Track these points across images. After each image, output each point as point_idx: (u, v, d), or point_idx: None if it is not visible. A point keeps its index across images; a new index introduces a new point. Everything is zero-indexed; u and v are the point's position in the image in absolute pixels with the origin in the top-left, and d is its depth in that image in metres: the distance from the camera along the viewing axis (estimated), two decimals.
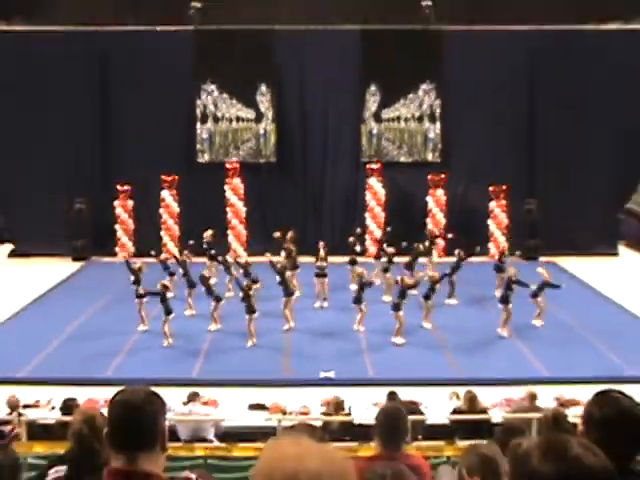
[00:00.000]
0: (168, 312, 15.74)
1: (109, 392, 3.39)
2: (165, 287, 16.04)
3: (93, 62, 23.59)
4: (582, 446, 2.34)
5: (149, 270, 17.97)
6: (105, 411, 3.24)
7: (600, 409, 3.03)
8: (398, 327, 15.67)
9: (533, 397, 10.76)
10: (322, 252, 18.70)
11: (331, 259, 19.18)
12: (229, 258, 19.54)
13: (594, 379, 13.01)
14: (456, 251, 19.00)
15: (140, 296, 16.25)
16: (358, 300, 16.34)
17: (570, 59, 23.04)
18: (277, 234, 20.33)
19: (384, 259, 18.99)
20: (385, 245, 19.68)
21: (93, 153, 24.07)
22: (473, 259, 19.51)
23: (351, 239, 19.89)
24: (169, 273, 18.60)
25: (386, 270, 18.81)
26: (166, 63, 23.08)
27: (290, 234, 20.21)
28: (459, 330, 16.42)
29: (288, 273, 17.58)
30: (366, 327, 16.42)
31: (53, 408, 12.16)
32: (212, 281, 16.80)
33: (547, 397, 12.06)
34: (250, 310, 15.58)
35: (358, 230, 20.51)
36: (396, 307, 15.70)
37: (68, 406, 9.97)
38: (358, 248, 19.91)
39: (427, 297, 16.45)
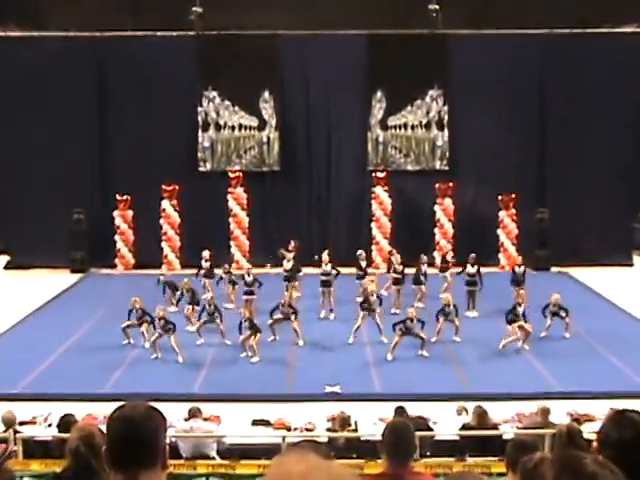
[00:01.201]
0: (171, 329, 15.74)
1: (108, 408, 3.37)
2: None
3: (91, 69, 23.69)
4: (598, 463, 2.32)
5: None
6: (104, 428, 3.22)
7: (617, 430, 3.00)
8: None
9: (546, 412, 10.70)
10: (326, 258, 18.71)
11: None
12: (231, 269, 19.53)
13: (609, 394, 12.98)
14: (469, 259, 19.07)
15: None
16: (364, 308, 16.43)
17: (581, 63, 23.07)
18: (291, 246, 20.14)
19: (394, 272, 18.95)
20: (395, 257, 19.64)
21: (92, 162, 24.11)
22: (482, 270, 19.44)
23: (359, 252, 19.93)
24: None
25: (397, 282, 18.80)
26: (166, 70, 23.15)
27: (294, 243, 20.23)
28: (468, 343, 16.36)
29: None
30: (372, 340, 16.39)
31: (50, 425, 12.13)
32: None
33: (560, 412, 11.98)
34: (255, 330, 15.58)
35: (360, 252, 20.30)
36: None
37: (66, 422, 9.94)
38: (363, 264, 19.86)
39: (446, 315, 16.44)
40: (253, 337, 15.58)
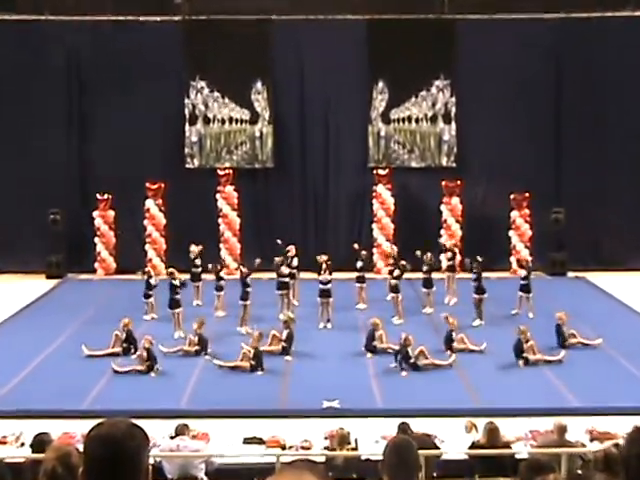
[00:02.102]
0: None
1: (86, 426, 3.36)
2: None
3: (67, 57, 23.72)
4: None
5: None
6: (81, 447, 3.20)
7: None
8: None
9: (562, 430, 10.67)
10: (324, 265, 18.66)
11: (335, 275, 19.15)
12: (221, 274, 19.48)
13: (631, 409, 12.95)
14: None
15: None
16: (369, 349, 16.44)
17: (600, 50, 23.09)
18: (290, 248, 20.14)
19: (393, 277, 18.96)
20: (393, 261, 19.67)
21: (69, 158, 24.10)
22: (492, 275, 19.47)
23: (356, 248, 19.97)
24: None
25: (395, 289, 18.79)
26: (150, 58, 23.14)
27: (289, 248, 20.21)
28: (478, 354, 16.34)
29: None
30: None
31: (22, 444, 12.09)
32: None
33: (578, 430, 11.97)
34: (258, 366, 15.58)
35: (356, 246, 20.33)
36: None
37: (40, 442, 9.89)
38: (359, 264, 19.84)
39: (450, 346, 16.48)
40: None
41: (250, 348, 15.59)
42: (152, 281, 18.83)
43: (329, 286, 18.54)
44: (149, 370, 15.41)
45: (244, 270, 18.43)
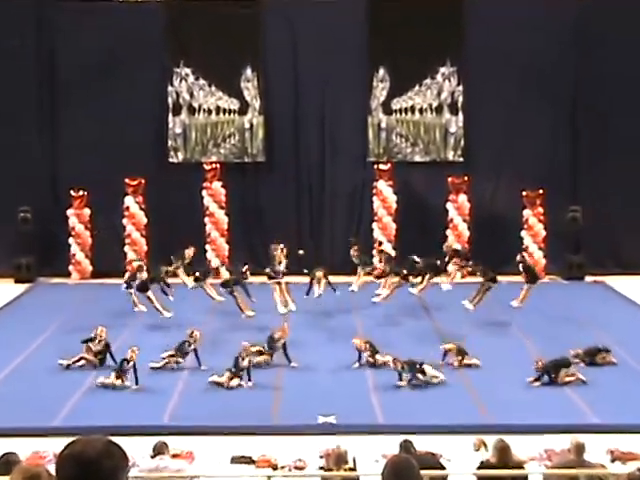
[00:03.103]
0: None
1: (59, 444, 3.32)
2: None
3: (38, 39, 23.65)
4: None
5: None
6: (53, 468, 3.17)
7: None
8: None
9: (580, 449, 10.64)
10: (322, 282, 18.80)
11: (332, 279, 19.19)
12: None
13: None
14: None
15: None
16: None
17: (624, 34, 23.12)
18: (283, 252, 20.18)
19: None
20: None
21: (40, 151, 24.04)
22: (502, 278, 19.49)
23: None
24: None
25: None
26: (130, 42, 23.13)
27: (281, 247, 20.20)
28: (488, 366, 16.35)
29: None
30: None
31: None
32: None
33: (598, 449, 11.97)
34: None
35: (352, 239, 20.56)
36: None
37: (6, 463, 9.84)
38: (356, 260, 20.00)
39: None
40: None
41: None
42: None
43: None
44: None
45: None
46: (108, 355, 16.29)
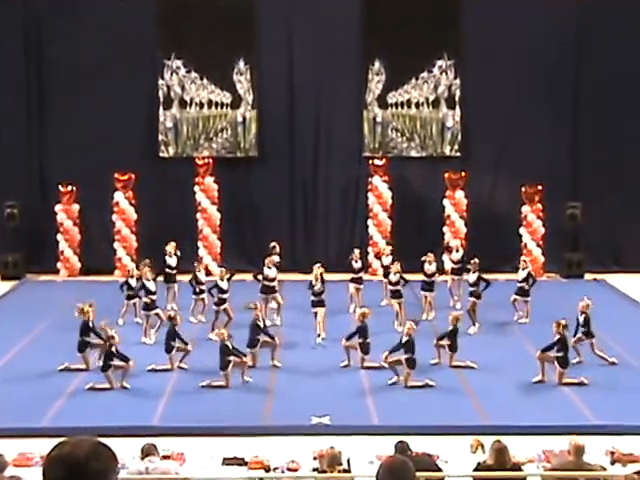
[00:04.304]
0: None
1: (46, 445, 3.32)
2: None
3: (25, 29, 23.64)
4: None
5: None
6: (40, 470, 3.16)
7: None
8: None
9: (579, 450, 10.65)
10: (317, 273, 18.55)
11: (326, 277, 19.17)
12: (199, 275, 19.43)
13: None
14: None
15: None
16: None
17: (627, 27, 23.13)
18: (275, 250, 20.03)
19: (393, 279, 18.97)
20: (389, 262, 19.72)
21: (27, 145, 24.01)
22: (500, 277, 19.51)
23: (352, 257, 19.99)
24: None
25: (396, 294, 18.84)
26: (120, 33, 23.11)
27: (273, 245, 20.20)
28: (484, 366, 16.36)
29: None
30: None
31: None
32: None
33: (597, 450, 11.97)
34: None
35: (357, 252, 20.31)
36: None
37: None
38: (357, 265, 19.87)
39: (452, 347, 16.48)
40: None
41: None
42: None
43: (322, 297, 18.39)
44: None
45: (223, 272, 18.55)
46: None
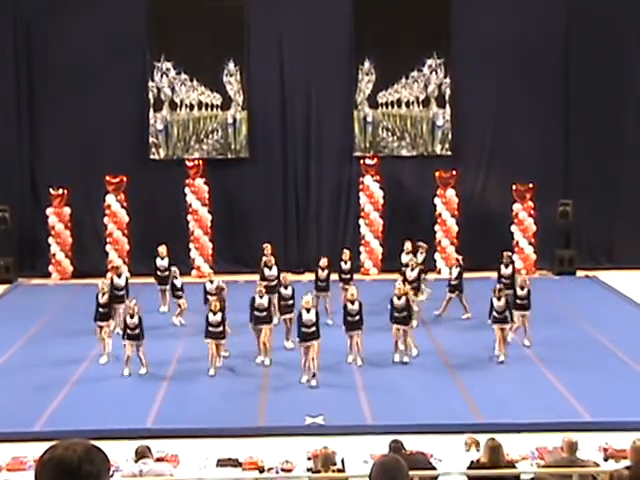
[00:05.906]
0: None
1: (39, 449, 3.31)
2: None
3: (14, 29, 23.59)
4: None
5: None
6: (33, 473, 3.15)
7: None
8: None
9: (572, 447, 10.67)
10: (324, 262, 19.03)
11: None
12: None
13: None
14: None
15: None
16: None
17: (618, 23, 23.16)
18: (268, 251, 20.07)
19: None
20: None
21: (18, 147, 23.95)
22: (492, 275, 19.52)
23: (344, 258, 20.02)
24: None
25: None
26: (109, 35, 23.05)
27: (266, 246, 20.16)
28: (477, 363, 16.38)
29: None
30: (364, 360, 16.40)
31: None
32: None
33: (591, 447, 11.96)
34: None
35: (347, 253, 20.32)
36: None
37: None
38: (345, 266, 19.86)
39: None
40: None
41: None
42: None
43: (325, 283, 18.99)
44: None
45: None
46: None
